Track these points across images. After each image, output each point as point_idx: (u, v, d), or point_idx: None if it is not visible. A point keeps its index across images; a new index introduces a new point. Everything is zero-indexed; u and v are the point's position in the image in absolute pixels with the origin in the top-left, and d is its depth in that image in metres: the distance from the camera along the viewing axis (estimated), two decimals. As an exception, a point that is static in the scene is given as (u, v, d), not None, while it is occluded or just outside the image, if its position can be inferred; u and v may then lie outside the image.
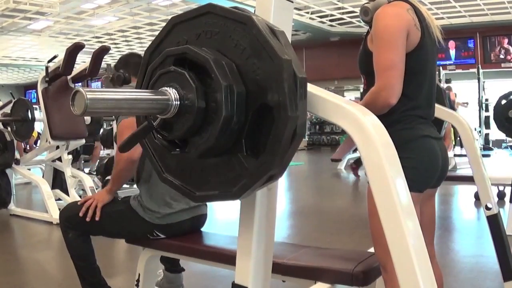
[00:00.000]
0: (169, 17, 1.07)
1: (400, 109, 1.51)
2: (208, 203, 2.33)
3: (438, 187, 1.72)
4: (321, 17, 12.87)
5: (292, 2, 1.13)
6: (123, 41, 14.99)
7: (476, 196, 5.08)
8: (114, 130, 6.01)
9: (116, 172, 2.19)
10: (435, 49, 1.62)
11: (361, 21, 1.63)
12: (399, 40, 1.46)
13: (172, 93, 0.91)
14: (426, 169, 1.55)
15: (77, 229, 2.19)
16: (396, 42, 1.46)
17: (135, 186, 2.27)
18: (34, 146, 10.38)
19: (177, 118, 0.92)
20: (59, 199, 5.15)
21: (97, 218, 2.14)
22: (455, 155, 8.21)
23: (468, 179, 3.62)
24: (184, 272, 2.56)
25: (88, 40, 13.35)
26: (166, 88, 0.91)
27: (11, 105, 5.58)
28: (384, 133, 0.97)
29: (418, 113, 1.57)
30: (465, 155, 6.84)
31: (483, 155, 2.72)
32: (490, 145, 12.16)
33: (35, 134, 9.20)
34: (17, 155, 5.38)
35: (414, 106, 1.56)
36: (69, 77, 5.05)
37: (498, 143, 12.75)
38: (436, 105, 1.75)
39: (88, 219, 2.13)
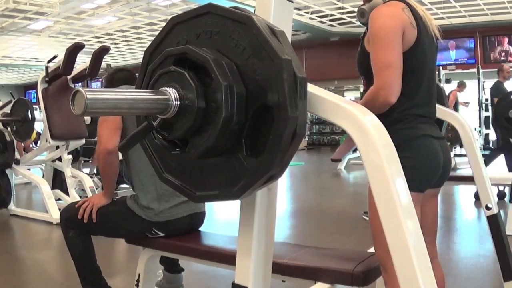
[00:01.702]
0: (169, 17, 1.07)
1: (399, 108, 1.51)
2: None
3: (440, 187, 1.71)
4: (321, 17, 12.86)
5: (292, 2, 1.13)
6: (123, 41, 14.99)
7: (476, 196, 5.08)
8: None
9: (100, 169, 2.26)
10: (433, 47, 1.62)
11: (359, 23, 1.63)
12: (395, 39, 1.47)
13: (172, 93, 0.91)
14: (427, 168, 1.55)
15: (77, 228, 2.21)
16: (392, 41, 1.46)
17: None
18: (33, 146, 10.34)
19: (177, 118, 0.92)
20: (59, 199, 5.15)
21: (94, 220, 2.16)
22: (455, 155, 8.20)
23: (468, 179, 3.62)
24: (184, 272, 2.56)
25: (88, 40, 13.35)
26: (166, 88, 0.91)
27: (11, 105, 5.58)
28: (384, 133, 0.97)
29: (418, 112, 1.57)
30: (465, 155, 6.83)
31: (483, 155, 2.72)
32: (490, 145, 12.15)
33: (32, 136, 9.17)
34: (17, 155, 5.37)
35: (414, 105, 1.56)
36: (69, 77, 5.05)
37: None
38: (436, 105, 1.75)
39: (85, 221, 2.16)
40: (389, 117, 1.47)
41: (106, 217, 2.18)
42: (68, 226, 2.23)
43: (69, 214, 2.24)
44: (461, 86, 8.93)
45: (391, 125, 1.42)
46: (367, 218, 4.63)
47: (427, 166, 1.55)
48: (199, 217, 2.28)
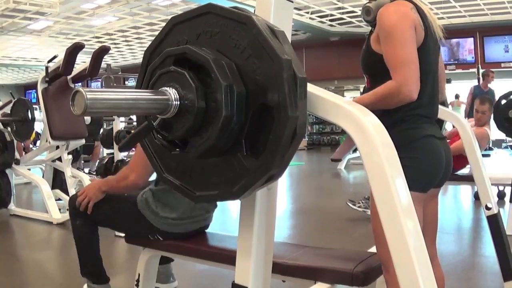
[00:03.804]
0: (169, 17, 1.07)
1: (403, 109, 1.50)
2: (213, 215, 2.35)
3: (441, 187, 1.71)
4: (321, 17, 12.85)
5: (292, 2, 1.13)
6: (123, 41, 14.99)
7: (476, 196, 5.08)
8: (114, 130, 6.01)
9: (118, 185, 2.17)
10: (437, 48, 1.62)
11: (363, 20, 1.62)
12: (410, 36, 1.46)
13: (172, 93, 0.91)
14: (430, 169, 1.55)
15: (84, 217, 2.23)
16: (408, 38, 1.46)
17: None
18: (32, 146, 10.35)
19: (177, 118, 0.92)
20: (59, 199, 5.15)
21: (89, 212, 2.17)
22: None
23: (468, 179, 3.62)
24: (173, 262, 2.55)
25: (88, 40, 13.35)
26: (166, 88, 0.92)
27: (11, 105, 5.58)
28: (384, 133, 0.96)
29: (422, 113, 1.57)
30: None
31: (483, 155, 2.71)
32: (490, 145, 12.15)
33: (32, 136, 9.18)
34: (17, 155, 5.37)
35: (418, 106, 1.55)
36: (69, 77, 5.04)
37: (498, 143, 12.75)
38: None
39: (81, 209, 2.18)
40: (393, 116, 1.47)
41: (116, 211, 2.20)
42: (76, 214, 2.25)
43: (75, 203, 2.25)
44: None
45: (395, 125, 1.42)
46: (351, 206, 4.64)
47: (431, 166, 1.55)
48: (203, 229, 2.28)
